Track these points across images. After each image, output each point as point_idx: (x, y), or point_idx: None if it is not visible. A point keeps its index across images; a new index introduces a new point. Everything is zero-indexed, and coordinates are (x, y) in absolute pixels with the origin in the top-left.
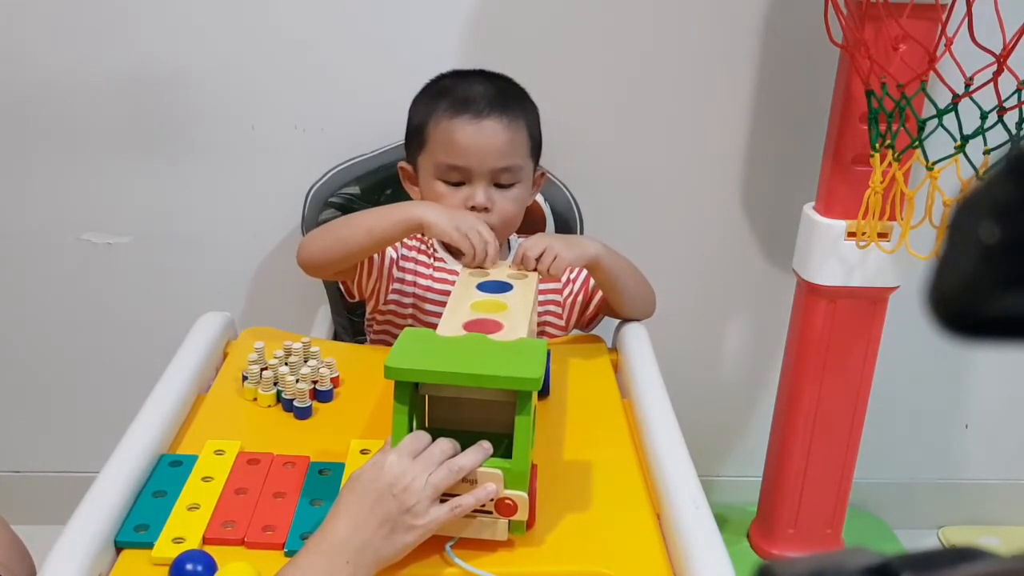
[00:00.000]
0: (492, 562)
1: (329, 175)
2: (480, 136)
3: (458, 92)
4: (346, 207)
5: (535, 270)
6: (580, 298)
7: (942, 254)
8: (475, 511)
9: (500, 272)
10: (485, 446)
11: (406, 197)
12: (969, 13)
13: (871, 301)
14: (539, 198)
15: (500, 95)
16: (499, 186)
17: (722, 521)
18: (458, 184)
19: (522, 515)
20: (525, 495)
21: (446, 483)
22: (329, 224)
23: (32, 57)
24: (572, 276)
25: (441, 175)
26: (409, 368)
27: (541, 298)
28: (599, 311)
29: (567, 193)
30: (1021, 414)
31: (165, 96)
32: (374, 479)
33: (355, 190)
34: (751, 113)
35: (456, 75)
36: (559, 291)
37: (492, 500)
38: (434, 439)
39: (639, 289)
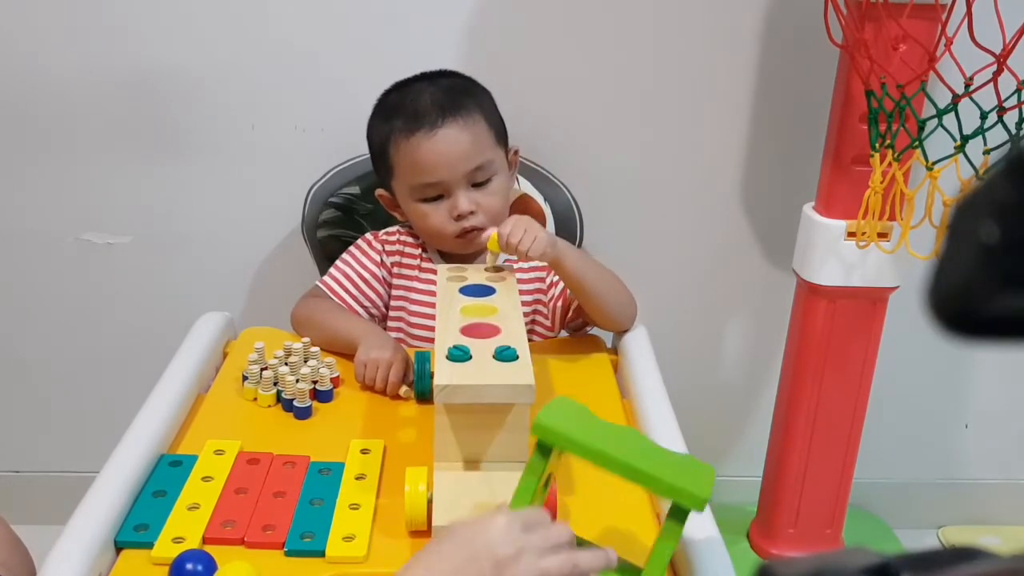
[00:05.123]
0: None
1: (329, 175)
2: (442, 147)
3: (407, 107)
4: (346, 207)
5: (516, 252)
6: (560, 304)
7: (942, 254)
8: None
9: (476, 275)
10: (611, 556)
11: None
12: (969, 13)
13: (871, 301)
14: (539, 198)
15: (448, 97)
16: (477, 185)
17: (722, 521)
18: (438, 198)
19: None
20: None
21: (558, 574)
22: (312, 307)
23: (32, 57)
24: (554, 279)
25: (418, 195)
26: (560, 431)
27: (528, 298)
28: (579, 316)
29: (567, 193)
30: (1021, 414)
31: (165, 96)
32: (475, 534)
33: (355, 190)
34: (751, 113)
35: (400, 87)
36: (544, 291)
37: None
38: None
39: (611, 294)
